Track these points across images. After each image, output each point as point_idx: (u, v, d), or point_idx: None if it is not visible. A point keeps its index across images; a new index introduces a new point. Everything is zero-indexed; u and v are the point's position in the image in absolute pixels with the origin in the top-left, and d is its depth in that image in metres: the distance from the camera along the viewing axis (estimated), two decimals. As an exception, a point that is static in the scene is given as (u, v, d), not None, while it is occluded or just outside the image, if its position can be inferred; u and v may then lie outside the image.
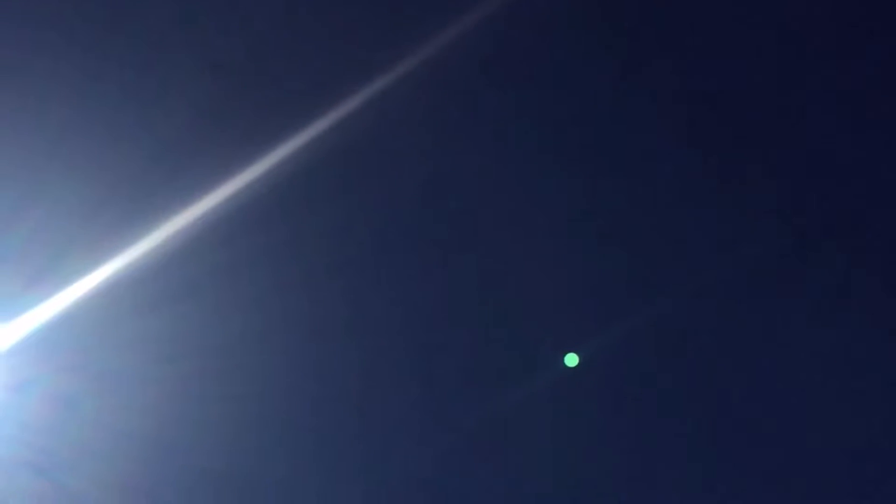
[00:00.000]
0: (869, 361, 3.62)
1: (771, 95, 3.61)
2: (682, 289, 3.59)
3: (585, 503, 3.55)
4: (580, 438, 3.56)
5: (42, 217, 3.35)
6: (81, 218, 3.35)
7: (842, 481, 3.58)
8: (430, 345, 3.54)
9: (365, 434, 3.50)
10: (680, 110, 3.61)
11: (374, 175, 3.50)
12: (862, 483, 3.58)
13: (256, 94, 3.54)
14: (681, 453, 3.62)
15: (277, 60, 3.42)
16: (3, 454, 3.54)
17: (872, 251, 3.65)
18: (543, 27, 3.49)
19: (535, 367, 3.58)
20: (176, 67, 3.35)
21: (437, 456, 3.51)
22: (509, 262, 3.52)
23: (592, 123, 3.58)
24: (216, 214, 3.27)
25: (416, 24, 3.37)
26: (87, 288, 3.35)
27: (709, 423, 3.61)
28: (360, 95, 3.39)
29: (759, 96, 3.61)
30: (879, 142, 3.62)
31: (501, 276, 3.52)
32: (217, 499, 3.54)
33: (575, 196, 3.60)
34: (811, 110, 3.60)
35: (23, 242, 3.35)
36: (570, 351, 3.54)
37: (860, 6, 3.64)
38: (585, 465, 3.54)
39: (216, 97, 3.33)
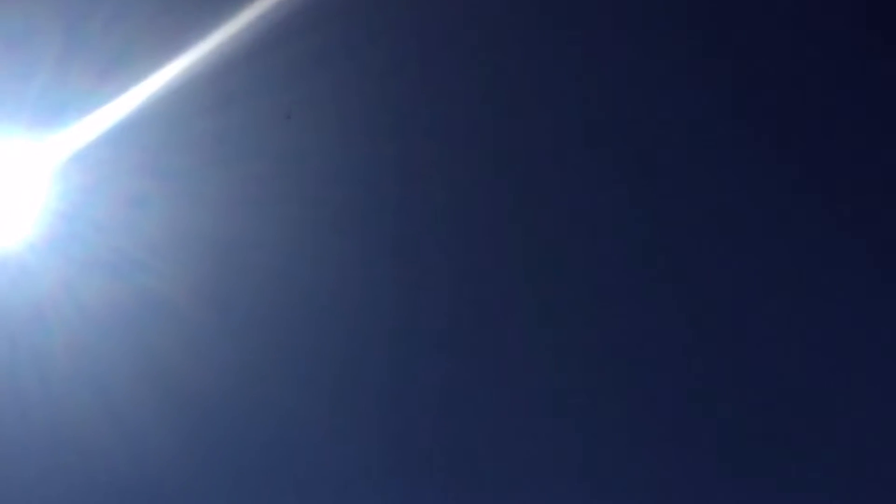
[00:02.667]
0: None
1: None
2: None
3: None
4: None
5: (113, 14, 3.43)
6: (151, 14, 3.43)
7: None
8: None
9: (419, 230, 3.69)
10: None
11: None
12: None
13: None
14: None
15: None
16: (78, 255, 3.70)
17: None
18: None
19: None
20: None
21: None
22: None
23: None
24: (285, 12, 3.35)
25: None
26: (158, 86, 3.46)
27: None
28: None
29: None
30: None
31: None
32: (282, 295, 3.74)
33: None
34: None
35: (94, 39, 3.44)
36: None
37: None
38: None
39: None
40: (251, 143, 3.58)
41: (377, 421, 3.75)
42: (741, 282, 3.59)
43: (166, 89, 3.44)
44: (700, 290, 3.64)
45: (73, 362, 3.81)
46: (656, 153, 3.60)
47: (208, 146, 3.58)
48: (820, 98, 3.54)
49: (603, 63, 3.59)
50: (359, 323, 3.82)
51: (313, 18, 3.34)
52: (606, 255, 3.66)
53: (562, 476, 3.70)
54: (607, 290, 3.67)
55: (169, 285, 3.72)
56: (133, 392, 3.83)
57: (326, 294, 3.79)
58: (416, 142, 3.67)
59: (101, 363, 3.81)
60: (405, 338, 3.82)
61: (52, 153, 3.59)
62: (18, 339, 3.78)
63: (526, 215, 3.70)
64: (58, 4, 3.47)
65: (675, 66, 3.57)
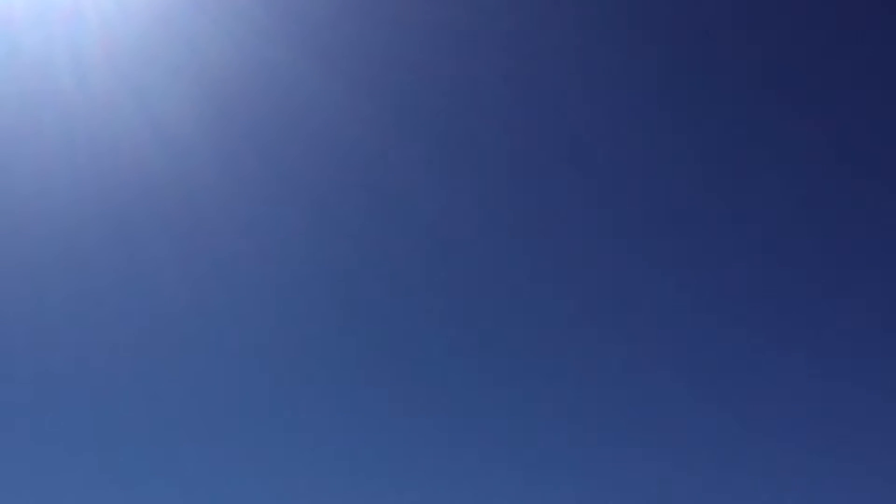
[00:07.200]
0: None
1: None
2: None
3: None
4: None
5: None
6: None
7: None
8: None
9: None
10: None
11: None
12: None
13: None
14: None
15: None
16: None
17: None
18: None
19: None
20: None
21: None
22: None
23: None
24: None
25: None
26: None
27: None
28: None
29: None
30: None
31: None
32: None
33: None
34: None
35: None
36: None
37: None
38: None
39: None
40: None
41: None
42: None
43: None
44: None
45: (111, 59, 3.91)
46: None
47: None
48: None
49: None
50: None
51: None
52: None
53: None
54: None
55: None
56: (169, 89, 3.97)
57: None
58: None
59: (138, 58, 3.92)
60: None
61: None
62: (56, 35, 3.84)
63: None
64: None
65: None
